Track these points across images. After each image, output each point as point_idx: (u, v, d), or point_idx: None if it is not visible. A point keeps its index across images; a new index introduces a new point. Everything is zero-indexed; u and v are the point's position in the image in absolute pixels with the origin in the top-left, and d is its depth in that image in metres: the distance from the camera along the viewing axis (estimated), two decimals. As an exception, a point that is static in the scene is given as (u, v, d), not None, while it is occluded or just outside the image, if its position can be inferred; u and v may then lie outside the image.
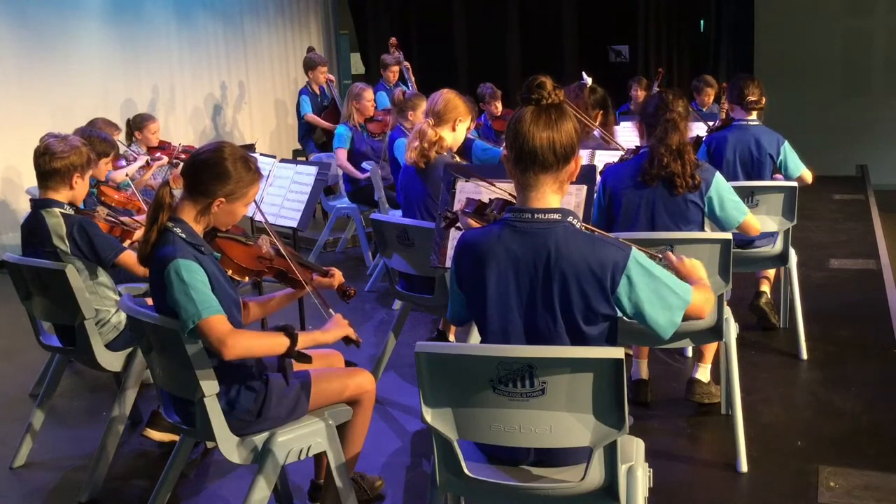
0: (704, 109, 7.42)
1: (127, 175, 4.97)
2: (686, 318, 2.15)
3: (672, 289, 2.12)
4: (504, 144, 2.21)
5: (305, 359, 2.52)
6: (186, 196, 2.58)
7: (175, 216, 2.54)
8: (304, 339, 2.55)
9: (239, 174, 2.55)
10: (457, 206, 3.29)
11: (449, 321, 2.64)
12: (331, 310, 2.73)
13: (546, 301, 2.07)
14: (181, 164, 5.88)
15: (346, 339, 2.68)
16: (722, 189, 3.40)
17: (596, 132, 4.24)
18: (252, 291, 4.71)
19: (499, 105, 7.72)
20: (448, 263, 3.29)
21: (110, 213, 3.76)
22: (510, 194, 2.74)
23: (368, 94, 6.61)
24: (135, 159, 5.44)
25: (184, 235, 2.50)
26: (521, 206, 2.13)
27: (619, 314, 2.11)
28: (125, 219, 3.79)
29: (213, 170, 2.53)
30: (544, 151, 2.07)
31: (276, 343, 2.50)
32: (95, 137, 4.21)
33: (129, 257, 3.36)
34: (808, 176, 4.45)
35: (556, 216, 2.09)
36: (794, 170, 4.44)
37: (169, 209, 2.53)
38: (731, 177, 4.40)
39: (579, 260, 2.04)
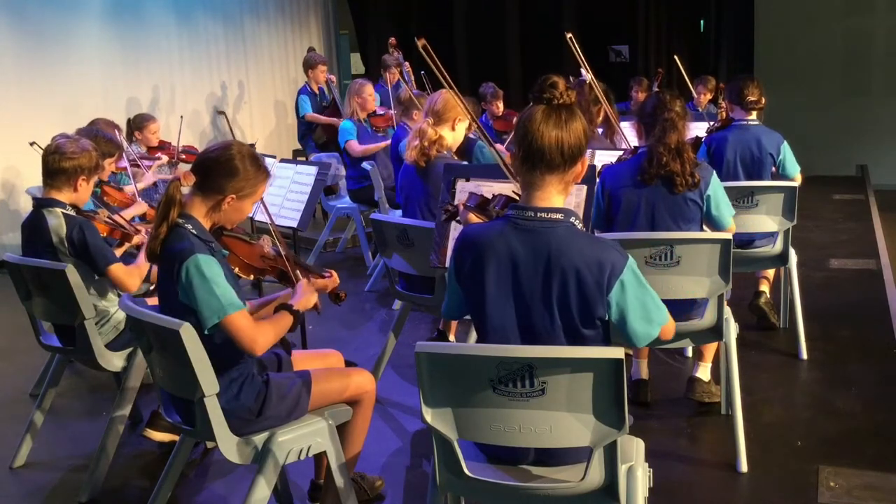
0: (701, 109, 7.41)
1: (137, 189, 4.87)
2: (657, 339, 2.17)
3: (657, 305, 2.14)
4: (513, 142, 2.21)
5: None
6: (197, 193, 2.60)
7: (185, 213, 2.56)
8: (300, 307, 2.71)
9: (248, 171, 2.59)
10: (458, 201, 3.28)
11: (442, 316, 2.66)
12: (297, 272, 2.83)
13: (545, 299, 2.07)
14: (181, 163, 5.89)
15: (334, 296, 2.82)
16: (717, 188, 3.44)
17: (599, 129, 4.27)
18: (252, 291, 4.70)
19: (500, 105, 7.70)
20: (448, 263, 3.28)
21: (110, 216, 3.76)
22: (513, 192, 2.73)
23: (369, 88, 6.64)
24: (135, 160, 5.43)
25: (195, 232, 2.52)
26: (525, 205, 2.13)
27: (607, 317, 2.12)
28: (118, 218, 3.78)
29: (224, 167, 2.57)
30: (552, 151, 2.07)
31: (286, 324, 2.64)
32: (101, 137, 4.21)
33: (118, 270, 3.37)
34: (800, 177, 4.52)
35: (559, 216, 2.09)
36: (791, 170, 4.51)
37: (180, 205, 2.54)
38: (731, 177, 4.42)
39: (579, 260, 2.05)
